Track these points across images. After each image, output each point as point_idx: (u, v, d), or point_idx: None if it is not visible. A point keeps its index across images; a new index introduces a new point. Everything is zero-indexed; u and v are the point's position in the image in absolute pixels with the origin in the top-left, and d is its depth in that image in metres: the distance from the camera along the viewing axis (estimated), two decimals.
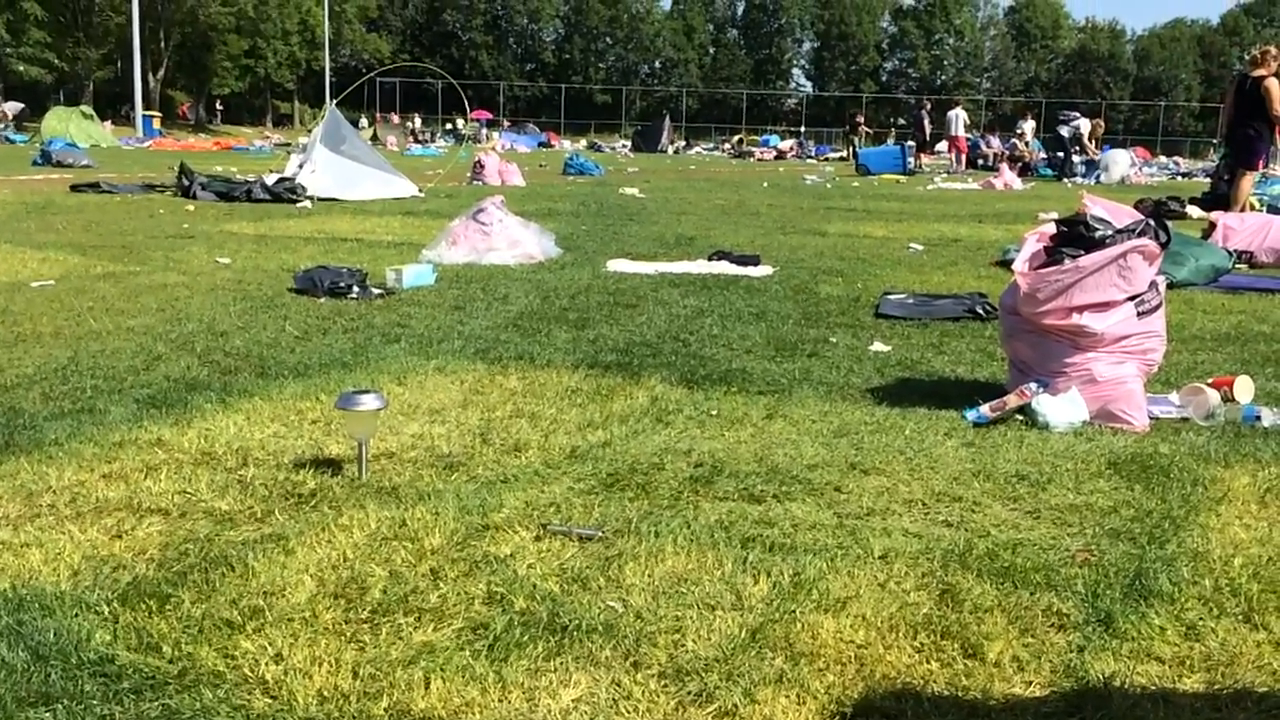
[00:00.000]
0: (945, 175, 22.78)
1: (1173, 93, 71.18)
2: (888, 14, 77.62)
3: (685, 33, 75.28)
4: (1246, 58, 11.26)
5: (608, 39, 75.41)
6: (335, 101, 24.30)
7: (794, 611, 1.86)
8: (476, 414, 3.11)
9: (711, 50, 77.20)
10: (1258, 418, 3.16)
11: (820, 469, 2.68)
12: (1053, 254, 3.19)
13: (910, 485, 2.59)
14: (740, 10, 79.38)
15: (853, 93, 68.55)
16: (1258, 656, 1.75)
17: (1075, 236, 3.17)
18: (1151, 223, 3.21)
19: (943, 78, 74.58)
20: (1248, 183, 11.26)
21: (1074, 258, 3.11)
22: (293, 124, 56.49)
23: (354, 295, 4.99)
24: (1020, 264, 3.21)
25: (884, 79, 75.68)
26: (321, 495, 2.40)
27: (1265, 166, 12.13)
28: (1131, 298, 3.13)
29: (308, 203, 10.43)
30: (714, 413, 3.20)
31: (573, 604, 1.87)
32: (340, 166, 11.24)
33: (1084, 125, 22.74)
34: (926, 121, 27.23)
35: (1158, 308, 3.22)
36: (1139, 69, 74.13)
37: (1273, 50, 10.88)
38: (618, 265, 6.43)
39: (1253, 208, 11.93)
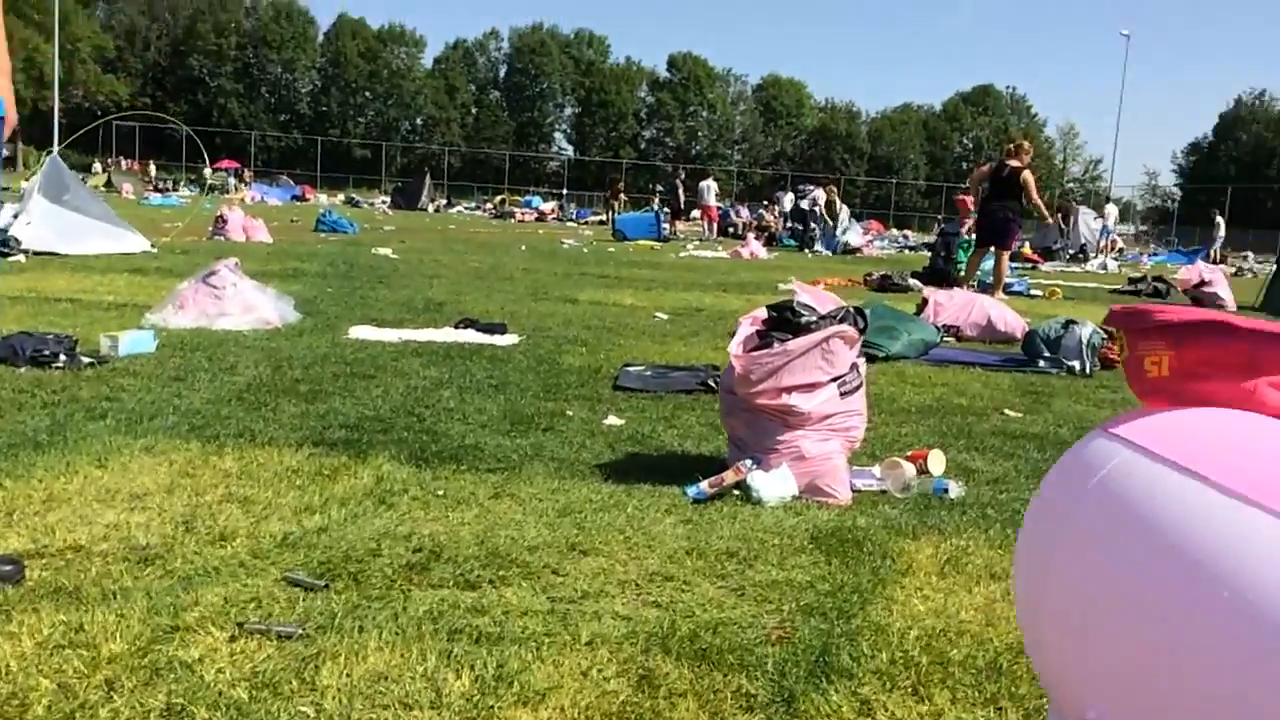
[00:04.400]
0: (698, 243, 23.73)
1: (903, 171, 77.36)
2: (645, 85, 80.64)
3: (447, 91, 75.36)
4: (1008, 147, 12.59)
5: (367, 93, 74.36)
6: (65, 144, 22.69)
7: (493, 707, 1.85)
8: (183, 499, 2.94)
9: (474, 110, 77.58)
10: (946, 490, 3.44)
11: (541, 551, 2.70)
12: (764, 337, 3.38)
13: (627, 565, 2.65)
14: (503, 73, 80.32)
15: (613, 158, 70.55)
16: None
17: (784, 322, 3.37)
18: (851, 310, 3.46)
19: (697, 148, 78.01)
20: (1005, 261, 12.56)
21: (783, 341, 3.30)
22: (15, 167, 52.27)
23: (60, 364, 4.62)
24: (735, 347, 3.38)
25: (643, 146, 78.34)
26: None
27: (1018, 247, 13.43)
28: (834, 379, 3.36)
29: (21, 257, 9.63)
30: (440, 493, 3.16)
31: (260, 712, 1.79)
32: (60, 218, 10.45)
33: (820, 195, 24.31)
34: (681, 190, 28.37)
35: (858, 388, 3.46)
36: (873, 148, 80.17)
37: (1026, 145, 12.39)
38: (360, 332, 6.29)
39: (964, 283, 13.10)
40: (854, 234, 23.99)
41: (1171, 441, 1.10)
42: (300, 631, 2.10)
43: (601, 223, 33.28)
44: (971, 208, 12.61)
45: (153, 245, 11.51)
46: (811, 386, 3.32)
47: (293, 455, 3.46)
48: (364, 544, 2.66)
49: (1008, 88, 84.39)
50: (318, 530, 2.75)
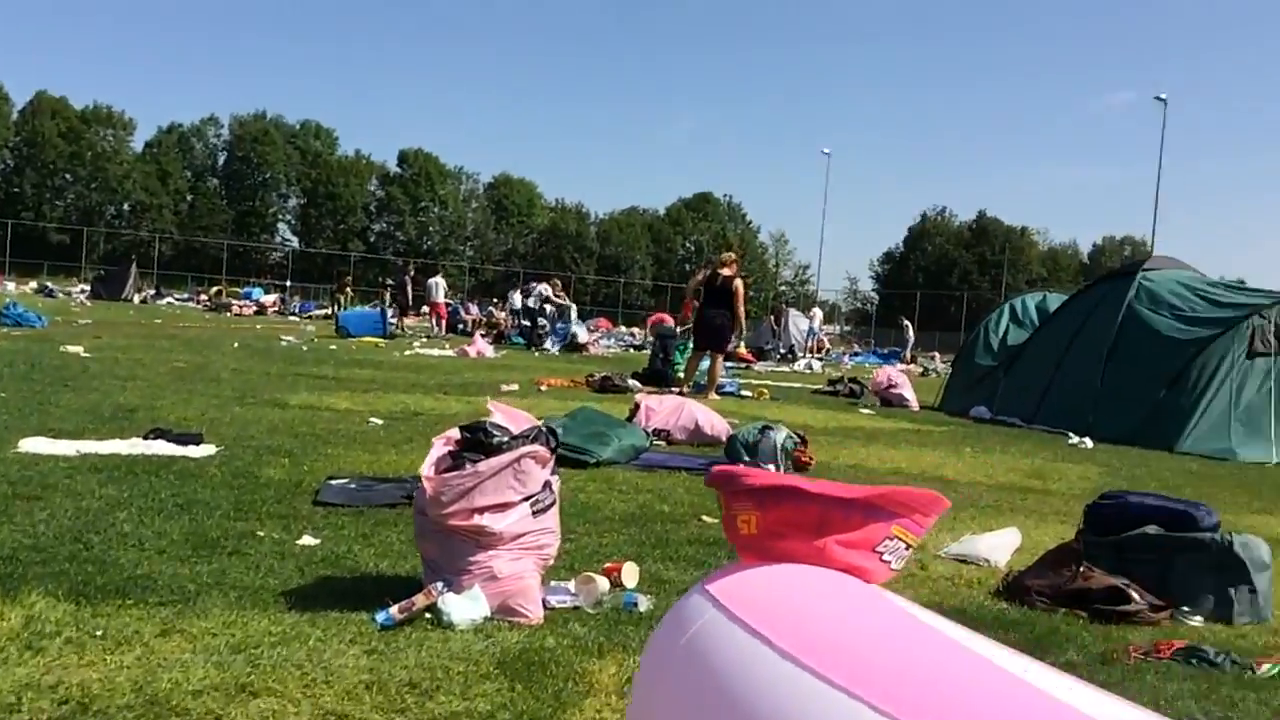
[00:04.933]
0: (424, 340, 23.52)
1: (630, 270, 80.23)
2: (375, 178, 79.94)
3: (159, 176, 71.61)
4: (720, 258, 13.51)
5: (67, 175, 69.39)
6: None
7: None
8: None
9: (190, 197, 74.03)
10: (635, 604, 3.54)
11: (205, 695, 2.54)
12: (456, 458, 3.39)
13: (300, 706, 2.54)
14: (222, 160, 77.34)
15: (341, 251, 69.03)
16: None
17: (476, 442, 3.40)
18: (544, 429, 3.54)
19: (429, 243, 77.78)
20: (720, 364, 13.36)
21: (474, 462, 3.32)
22: None
23: None
24: (426, 468, 3.37)
25: (372, 239, 77.26)
26: None
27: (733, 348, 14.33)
28: (527, 498, 3.40)
29: None
30: (99, 633, 2.92)
31: None
32: None
33: (545, 289, 24.77)
34: (409, 285, 28.20)
35: (551, 505, 3.52)
36: (602, 247, 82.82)
37: (733, 255, 13.35)
38: (32, 445, 5.76)
39: (680, 383, 13.67)
40: (581, 331, 24.59)
41: (747, 601, 1.20)
42: None
43: (327, 317, 32.34)
44: (689, 314, 13.44)
45: None
46: (504, 506, 3.35)
47: None
48: (1, 699, 2.41)
49: (725, 196, 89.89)
50: None
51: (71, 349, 12.73)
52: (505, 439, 3.39)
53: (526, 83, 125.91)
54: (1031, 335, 13.90)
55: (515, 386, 12.27)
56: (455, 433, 3.50)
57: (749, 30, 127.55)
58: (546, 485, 3.50)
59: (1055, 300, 15.15)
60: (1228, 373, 10.95)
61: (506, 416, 3.55)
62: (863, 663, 1.06)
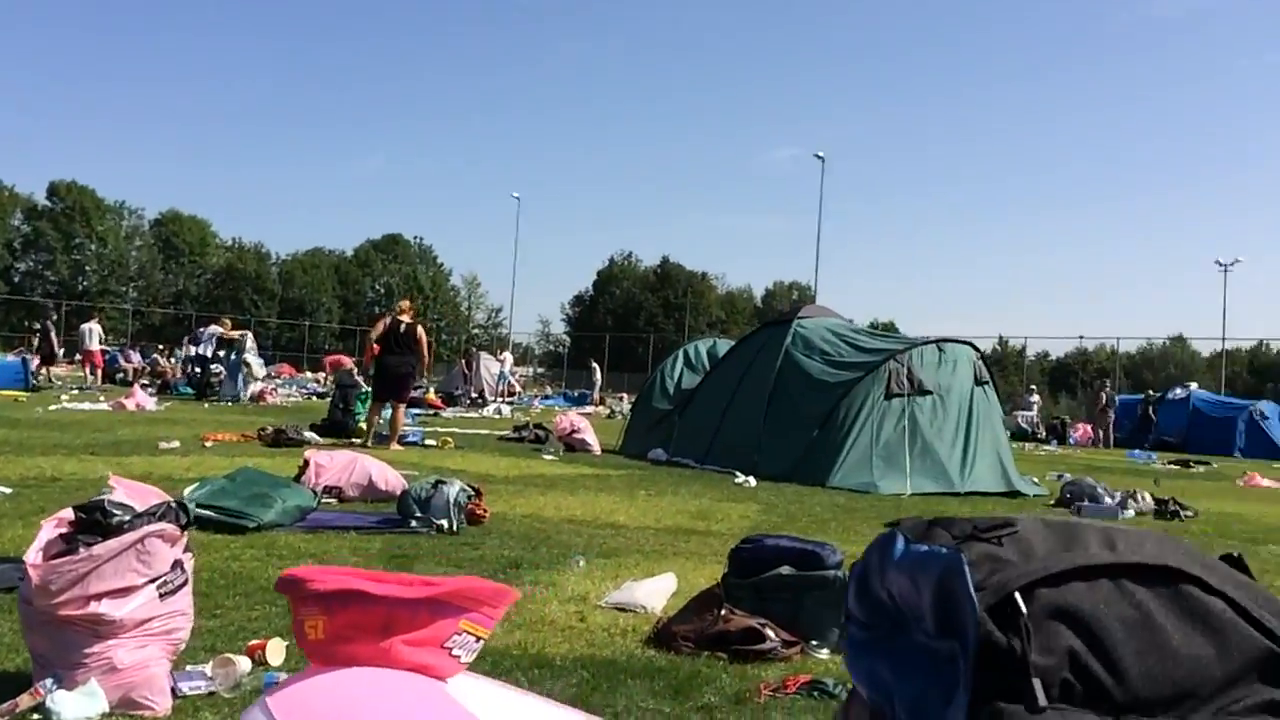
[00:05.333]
0: (76, 392, 21.51)
1: (316, 313, 77.36)
2: (20, 212, 72.56)
3: None
4: (397, 306, 13.44)
5: None
6: None
7: None
8: None
9: None
10: (276, 682, 3.38)
11: None
12: (69, 541, 3.12)
13: None
14: None
15: None
16: None
17: (93, 523, 3.15)
18: (174, 504, 3.34)
19: (85, 283, 71.39)
20: (402, 413, 13.19)
21: (89, 545, 3.07)
22: None
23: None
24: (33, 554, 3.08)
25: (17, 280, 69.94)
26: None
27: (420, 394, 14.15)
28: (153, 580, 3.18)
29: None
30: None
31: None
32: None
33: (215, 329, 23.27)
34: (53, 332, 25.81)
35: (183, 585, 3.31)
36: (285, 290, 79.36)
37: (407, 304, 13.33)
38: None
39: (362, 433, 13.32)
40: (255, 363, 23.26)
41: (302, 711, 1.19)
42: None
43: None
44: (370, 362, 13.19)
45: None
46: (126, 591, 3.12)
47: None
48: None
49: (416, 237, 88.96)
50: None
51: None
52: (127, 518, 3.16)
53: (198, 109, 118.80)
54: (703, 379, 14.68)
55: (176, 444, 11.46)
56: (68, 513, 3.23)
57: (442, 64, 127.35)
58: (177, 565, 3.29)
59: (725, 345, 16.11)
60: (869, 413, 12.06)
61: (130, 492, 3.31)
62: None
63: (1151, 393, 31.57)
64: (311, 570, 1.39)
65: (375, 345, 12.93)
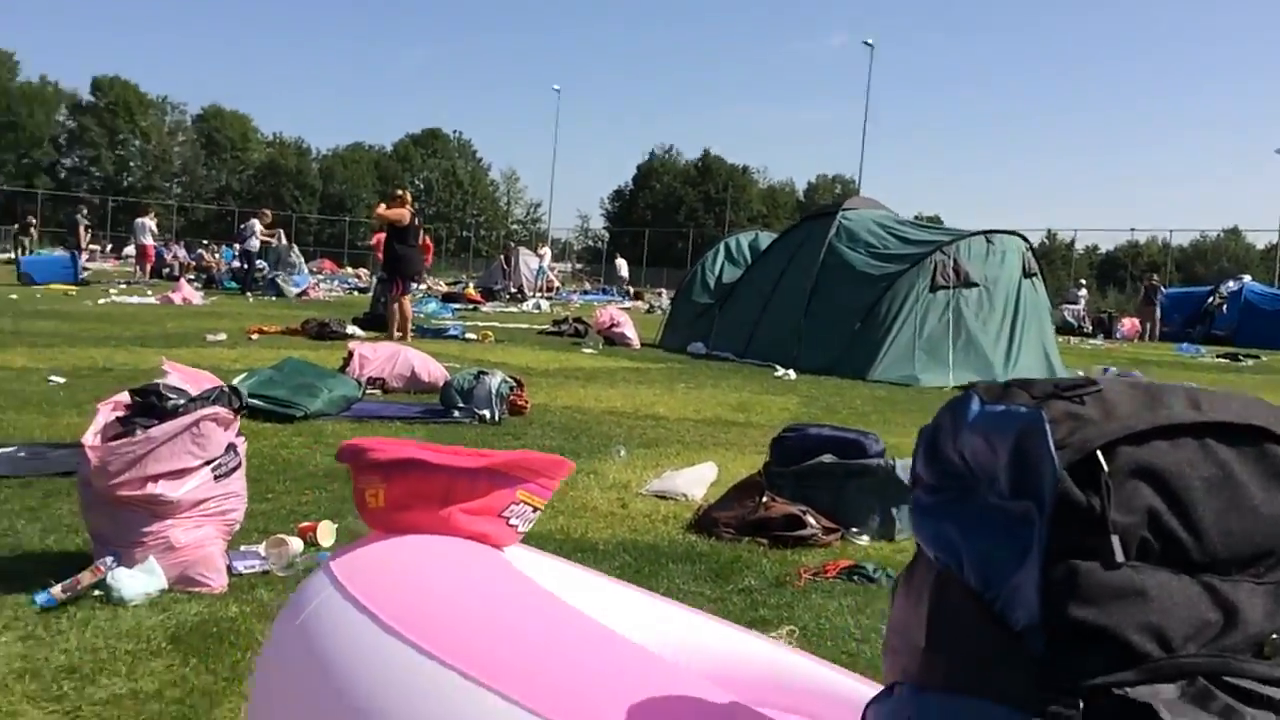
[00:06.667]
0: (124, 286, 21.80)
1: (355, 209, 77.38)
2: (65, 108, 72.66)
3: None
4: (400, 195, 13.25)
5: None
6: None
7: None
8: None
9: None
10: None
11: None
12: (126, 424, 3.18)
13: None
14: None
15: (26, 188, 62.46)
16: None
17: (149, 406, 3.20)
18: (227, 389, 3.38)
19: (129, 179, 71.76)
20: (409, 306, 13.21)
21: (146, 428, 3.13)
22: None
23: None
24: (90, 436, 3.14)
25: (63, 175, 70.36)
26: None
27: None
28: (208, 462, 3.25)
29: None
30: None
31: None
32: None
33: (255, 223, 23.32)
34: (82, 228, 26.48)
35: (237, 468, 3.38)
36: (325, 185, 79.29)
37: (409, 196, 13.21)
38: None
39: None
40: (300, 278, 23.52)
41: (363, 576, 1.21)
42: None
43: (8, 262, 29.26)
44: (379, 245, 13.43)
45: None
46: (181, 473, 3.18)
47: None
48: None
49: (455, 132, 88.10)
50: None
51: None
52: (182, 401, 3.21)
53: (239, 5, 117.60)
54: (744, 273, 14.56)
55: (223, 336, 11.62)
56: (124, 397, 3.28)
57: None
58: (230, 448, 3.35)
59: (767, 239, 15.92)
60: (913, 306, 11.93)
61: (184, 376, 3.36)
62: (465, 631, 1.09)
63: (1221, 289, 30.47)
64: (372, 440, 1.39)
65: (380, 235, 13.01)
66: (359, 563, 1.24)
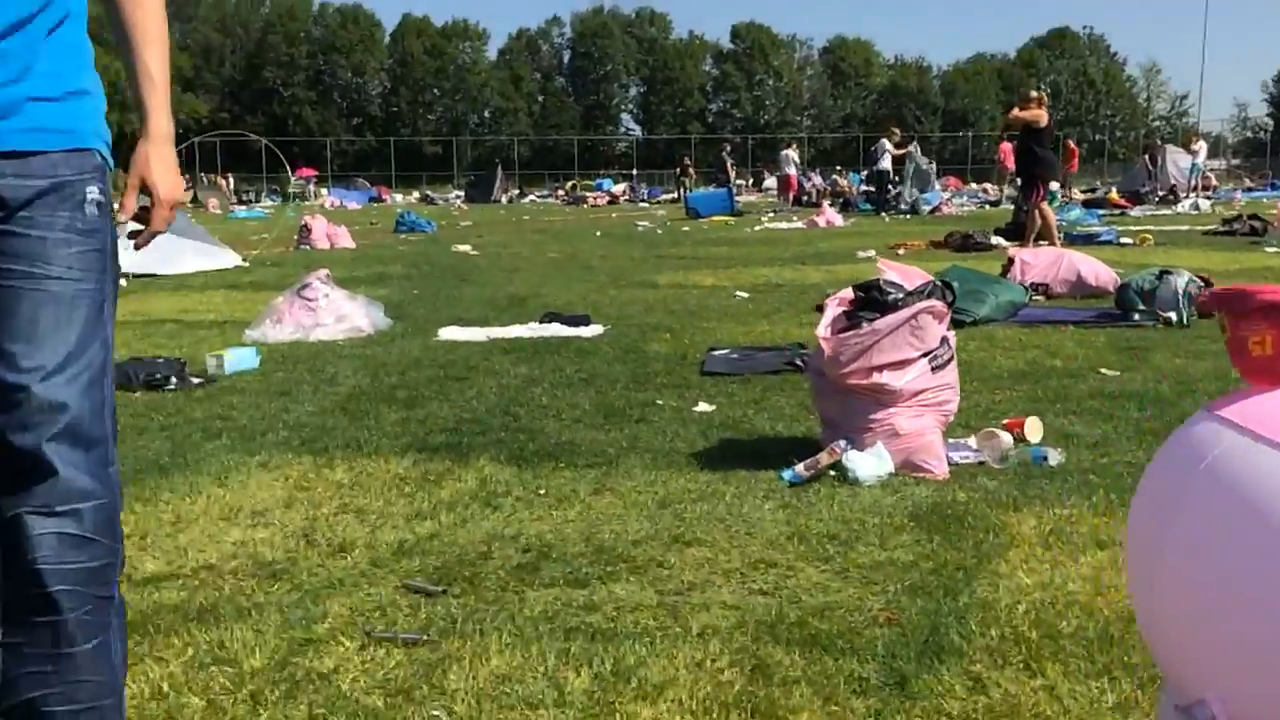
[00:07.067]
0: (772, 215, 23.59)
1: (978, 123, 75.55)
2: (709, 58, 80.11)
3: (513, 82, 75.74)
4: (1038, 96, 12.57)
5: (435, 90, 75.20)
6: None
7: (613, 703, 1.92)
8: (301, 513, 3.08)
9: (540, 98, 77.83)
10: (1045, 458, 3.42)
11: (644, 544, 2.76)
12: (851, 318, 3.39)
13: (730, 554, 2.70)
14: (567, 59, 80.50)
15: (680, 135, 70.20)
16: (1034, 704, 1.91)
17: (871, 301, 3.38)
18: (939, 283, 3.46)
19: (766, 117, 77.26)
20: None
21: (870, 321, 3.31)
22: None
23: (172, 386, 4.84)
24: (822, 329, 3.40)
25: (710, 120, 77.80)
26: (137, 622, 2.34)
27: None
28: (925, 354, 3.36)
29: (123, 281, 10.03)
30: (542, 491, 3.25)
31: (396, 718, 1.89)
32: (157, 240, 10.82)
33: (885, 142, 23.68)
34: (728, 164, 28.81)
35: (950, 361, 3.45)
36: (946, 102, 78.47)
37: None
38: (449, 333, 6.43)
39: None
40: (932, 194, 23.61)
41: (1274, 423, 1.11)
42: (424, 638, 2.20)
43: (673, 201, 33.21)
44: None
45: (244, 259, 11.87)
46: (902, 364, 3.33)
47: (398, 463, 3.59)
48: (474, 547, 2.76)
49: (1085, 28, 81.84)
50: (429, 536, 2.86)
51: (460, 248, 13.97)
52: (900, 295, 3.35)
53: None
54: None
55: (871, 252, 12.04)
56: (848, 293, 3.50)
57: None
58: (944, 341, 3.43)
59: None
60: None
61: (899, 273, 3.49)
62: None
63: None
64: (1252, 285, 1.29)
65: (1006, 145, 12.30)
66: (1263, 411, 1.16)
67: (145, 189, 1.62)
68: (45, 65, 1.46)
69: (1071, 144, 29.92)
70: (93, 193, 1.51)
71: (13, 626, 1.48)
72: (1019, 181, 13.93)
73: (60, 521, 1.44)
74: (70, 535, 1.45)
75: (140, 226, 1.65)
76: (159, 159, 1.63)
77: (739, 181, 40.06)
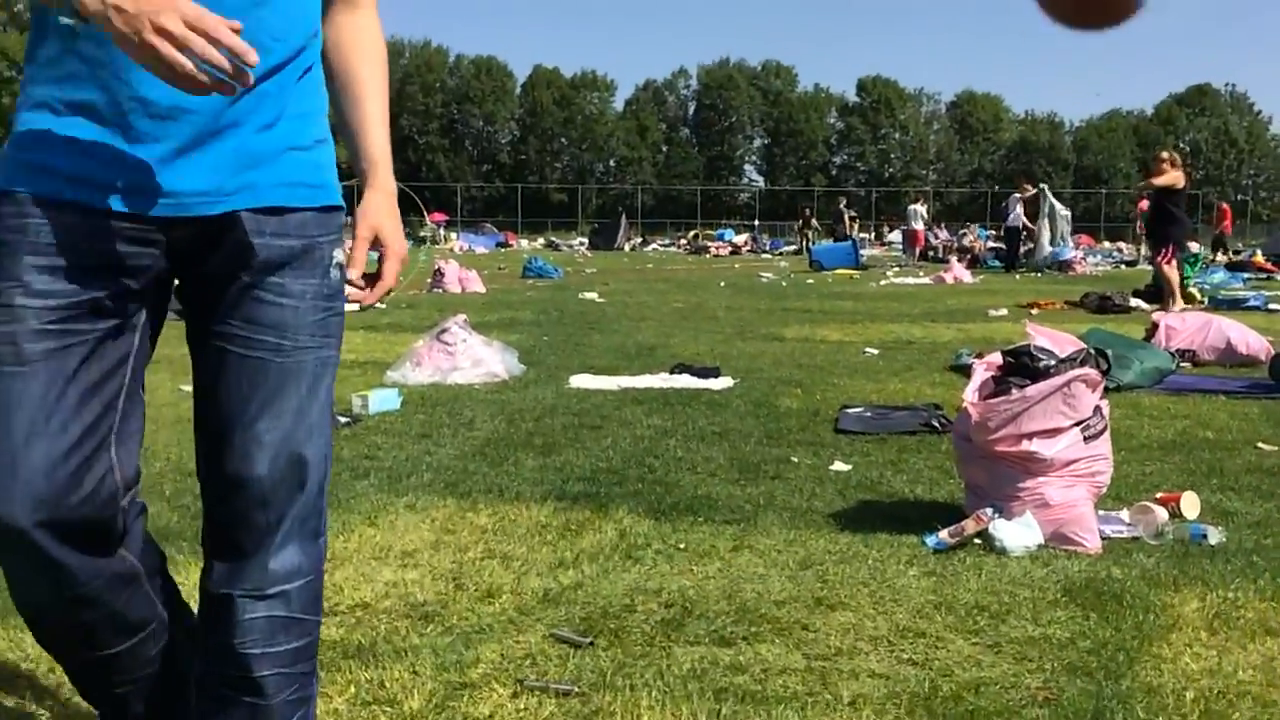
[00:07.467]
0: (897, 269, 23.30)
1: (1112, 180, 73.48)
2: (834, 111, 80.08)
3: (639, 132, 77.03)
4: (1172, 156, 12.29)
5: (563, 139, 76.97)
6: None
7: None
8: (449, 556, 3.16)
9: (665, 148, 78.95)
10: (1204, 535, 3.28)
11: (788, 605, 2.75)
12: (1000, 383, 3.33)
13: (875, 620, 2.66)
14: (692, 110, 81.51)
15: (804, 186, 70.17)
16: None
17: (1021, 367, 3.32)
18: (1092, 350, 3.37)
19: (890, 170, 76.67)
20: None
21: (1021, 387, 3.25)
22: None
23: None
24: (970, 394, 3.35)
25: (834, 173, 77.60)
26: None
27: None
28: (1078, 423, 3.27)
29: None
30: (681, 546, 3.26)
31: None
32: None
33: (1016, 196, 23.15)
34: (847, 217, 28.97)
35: (1103, 431, 3.36)
36: (1079, 158, 76.62)
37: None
38: (580, 381, 6.52)
39: (1193, 298, 12.42)
40: (1062, 249, 22.99)
41: None
42: (576, 689, 2.23)
43: (796, 253, 33.13)
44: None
45: (380, 301, 12.26)
46: (1054, 432, 3.25)
47: (539, 510, 3.65)
48: (618, 599, 2.79)
49: (1226, 85, 79.17)
50: (574, 586, 2.90)
51: (587, 295, 14.19)
52: (1052, 362, 3.28)
53: None
54: None
55: (1004, 311, 11.79)
56: (997, 357, 3.45)
57: None
58: (1097, 410, 3.34)
59: None
60: None
61: (1049, 339, 3.42)
62: None
63: None
64: None
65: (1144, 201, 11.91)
66: None
67: (375, 242, 1.59)
68: (295, 108, 1.44)
69: (1225, 205, 28.82)
70: (338, 255, 1.50)
71: (208, 699, 1.46)
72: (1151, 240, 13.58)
73: (270, 605, 1.43)
74: (279, 618, 1.44)
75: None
76: (391, 212, 1.59)
77: (863, 235, 39.74)
